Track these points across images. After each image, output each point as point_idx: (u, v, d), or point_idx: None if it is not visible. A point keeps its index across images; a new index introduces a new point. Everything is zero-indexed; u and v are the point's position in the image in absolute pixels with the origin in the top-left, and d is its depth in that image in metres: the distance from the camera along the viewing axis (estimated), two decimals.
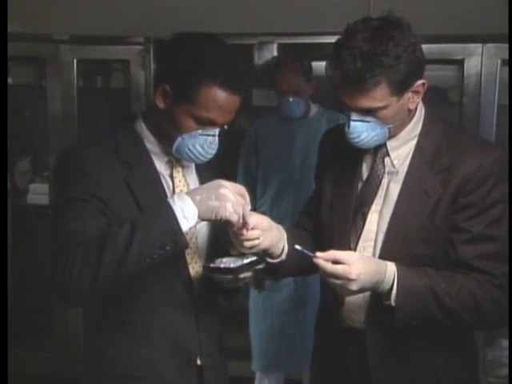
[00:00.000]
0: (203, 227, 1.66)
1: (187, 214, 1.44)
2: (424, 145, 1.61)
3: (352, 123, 1.55)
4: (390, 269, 1.52)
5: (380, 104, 1.50)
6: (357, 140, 1.57)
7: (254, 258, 1.58)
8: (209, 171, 1.71)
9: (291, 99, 3.02)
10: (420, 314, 1.53)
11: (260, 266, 1.60)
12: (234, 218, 1.47)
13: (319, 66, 3.68)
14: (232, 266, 1.54)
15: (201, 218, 1.47)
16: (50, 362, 3.53)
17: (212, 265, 1.56)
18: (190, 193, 1.48)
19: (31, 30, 3.44)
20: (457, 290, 1.53)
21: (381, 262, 1.54)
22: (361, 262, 1.47)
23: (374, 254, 1.62)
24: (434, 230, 1.57)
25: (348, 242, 1.65)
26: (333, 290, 1.53)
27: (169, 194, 1.61)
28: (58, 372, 3.41)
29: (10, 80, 3.43)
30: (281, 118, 3.14)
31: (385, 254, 1.59)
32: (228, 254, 1.62)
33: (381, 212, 1.63)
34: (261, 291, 3.16)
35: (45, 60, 3.48)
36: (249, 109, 3.53)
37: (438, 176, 1.57)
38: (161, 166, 1.63)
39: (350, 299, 1.63)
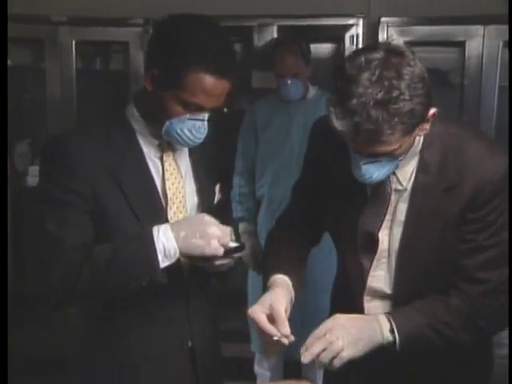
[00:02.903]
0: (193, 212, 1.65)
1: (168, 252, 1.45)
2: (428, 158, 1.52)
3: (364, 166, 1.43)
4: (383, 322, 1.49)
5: (395, 146, 1.39)
6: (369, 180, 1.47)
7: (233, 245, 1.52)
8: (202, 154, 1.69)
9: (289, 81, 2.99)
10: (425, 349, 1.54)
11: (238, 254, 1.55)
12: (220, 252, 1.46)
13: (318, 48, 3.67)
14: None
15: (182, 254, 1.47)
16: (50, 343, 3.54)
17: None
18: (174, 228, 1.47)
19: (30, 12, 3.41)
20: (453, 317, 1.52)
21: (368, 318, 1.52)
22: (338, 329, 1.44)
23: (388, 272, 1.60)
24: (446, 247, 1.54)
25: (360, 262, 1.61)
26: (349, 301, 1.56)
27: (157, 182, 1.59)
28: (56, 353, 3.41)
29: (8, 62, 3.41)
30: (279, 100, 3.12)
31: (400, 273, 1.58)
32: None
33: (391, 230, 1.57)
34: (260, 273, 3.16)
35: (43, 42, 3.47)
36: (249, 90, 3.52)
37: (445, 193, 1.50)
38: (151, 149, 1.60)
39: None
